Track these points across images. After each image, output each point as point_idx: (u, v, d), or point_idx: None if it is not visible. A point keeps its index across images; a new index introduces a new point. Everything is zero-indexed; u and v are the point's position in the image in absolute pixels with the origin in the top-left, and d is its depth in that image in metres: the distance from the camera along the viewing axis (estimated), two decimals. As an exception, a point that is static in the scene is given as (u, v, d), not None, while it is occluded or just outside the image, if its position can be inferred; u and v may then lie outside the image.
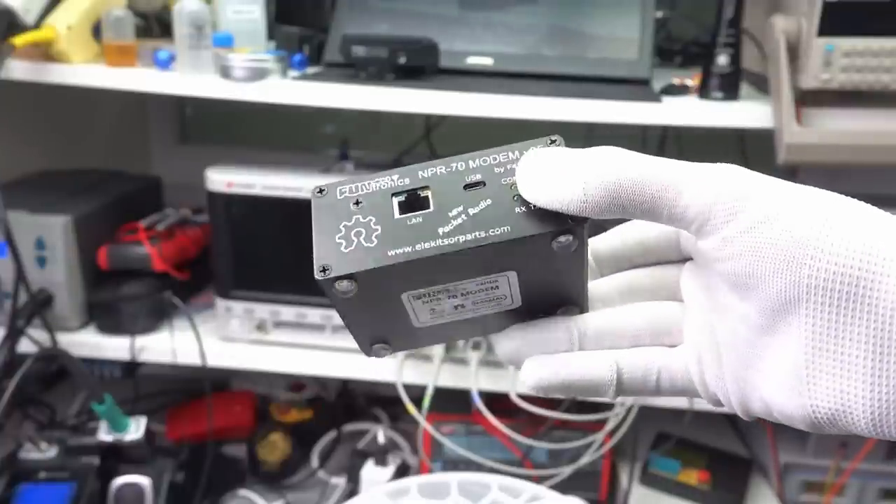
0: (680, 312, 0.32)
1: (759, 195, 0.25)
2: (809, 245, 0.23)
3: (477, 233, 0.27)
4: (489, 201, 0.27)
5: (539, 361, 0.30)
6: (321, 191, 0.28)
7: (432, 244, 0.27)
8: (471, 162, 0.28)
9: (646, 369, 0.31)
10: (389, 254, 0.27)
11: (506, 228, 0.27)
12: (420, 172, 0.28)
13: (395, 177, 0.28)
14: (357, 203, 0.28)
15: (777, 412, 0.26)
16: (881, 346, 0.23)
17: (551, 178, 0.26)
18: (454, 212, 0.27)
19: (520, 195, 0.27)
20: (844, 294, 0.23)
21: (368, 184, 0.28)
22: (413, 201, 0.28)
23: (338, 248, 0.27)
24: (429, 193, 0.28)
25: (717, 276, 0.27)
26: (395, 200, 0.28)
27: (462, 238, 0.27)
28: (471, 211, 0.27)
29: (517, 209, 0.27)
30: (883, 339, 0.23)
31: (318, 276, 0.27)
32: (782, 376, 0.25)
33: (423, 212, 0.27)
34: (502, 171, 0.28)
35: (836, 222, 0.23)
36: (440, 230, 0.27)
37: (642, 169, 0.25)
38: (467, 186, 0.28)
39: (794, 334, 0.24)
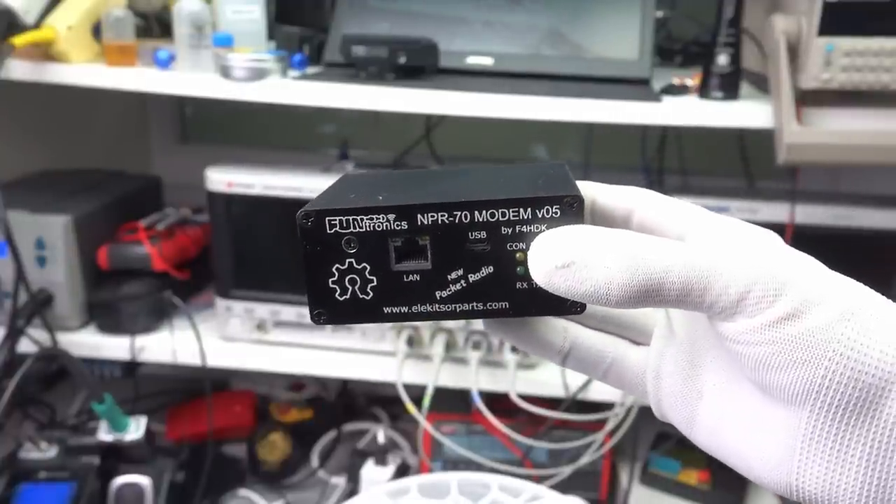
0: (654, 317, 0.31)
1: (792, 287, 0.23)
2: (829, 347, 0.23)
3: (475, 304, 0.27)
4: (491, 269, 0.26)
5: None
6: (307, 217, 0.26)
7: (428, 308, 0.27)
8: (476, 213, 0.26)
9: (599, 355, 0.31)
10: (385, 311, 0.27)
11: (504, 304, 0.27)
12: (420, 217, 0.26)
13: (392, 217, 0.26)
14: (350, 244, 0.26)
15: (752, 476, 0.26)
16: (879, 454, 0.23)
17: (571, 270, 0.24)
18: (453, 275, 0.26)
19: (525, 269, 0.26)
20: (854, 399, 0.23)
21: (361, 220, 0.26)
22: (410, 249, 0.26)
23: (332, 294, 0.27)
24: (427, 242, 0.26)
25: (727, 346, 0.25)
26: (392, 245, 0.26)
27: (459, 307, 0.27)
28: (471, 278, 0.26)
29: (519, 285, 0.26)
30: (882, 447, 0.23)
31: (313, 320, 0.27)
32: (770, 450, 0.25)
33: (421, 267, 0.26)
34: (509, 233, 0.26)
35: (859, 324, 0.23)
36: (438, 294, 0.26)
37: (672, 260, 0.24)
38: (470, 244, 0.26)
39: (793, 422, 0.24)
